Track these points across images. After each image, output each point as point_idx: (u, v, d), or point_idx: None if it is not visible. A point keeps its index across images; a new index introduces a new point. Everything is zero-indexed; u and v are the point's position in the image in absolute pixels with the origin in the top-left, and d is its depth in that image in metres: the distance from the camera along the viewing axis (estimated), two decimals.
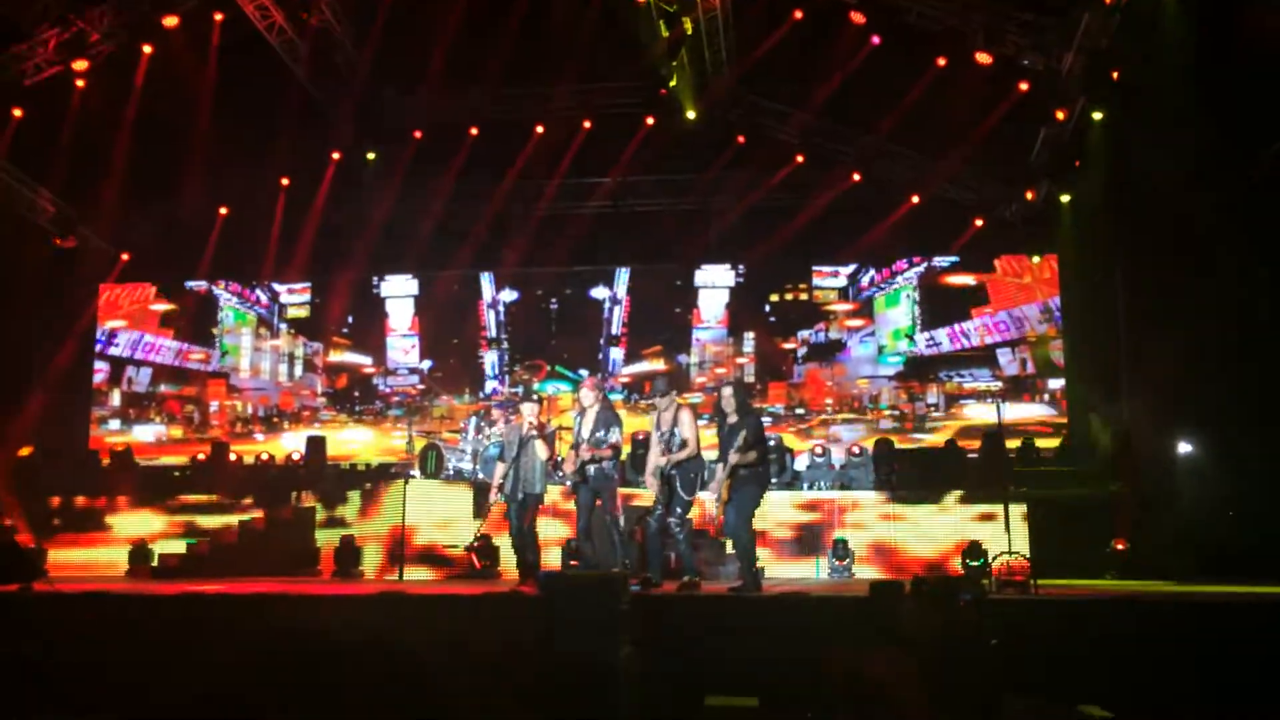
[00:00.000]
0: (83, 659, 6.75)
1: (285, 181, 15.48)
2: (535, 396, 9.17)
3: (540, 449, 8.47)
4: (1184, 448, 12.36)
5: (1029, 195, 14.24)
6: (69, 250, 15.43)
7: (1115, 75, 11.39)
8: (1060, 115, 12.56)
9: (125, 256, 16.12)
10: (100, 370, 16.34)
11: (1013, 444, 12.95)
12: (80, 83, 12.98)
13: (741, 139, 14.83)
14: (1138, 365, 12.76)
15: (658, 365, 15.53)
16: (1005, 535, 9.41)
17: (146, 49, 12.97)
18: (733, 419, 8.15)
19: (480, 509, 10.66)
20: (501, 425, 8.84)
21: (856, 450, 13.19)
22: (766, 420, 12.66)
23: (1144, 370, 12.53)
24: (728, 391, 8.27)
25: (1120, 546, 10.91)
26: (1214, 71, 10.24)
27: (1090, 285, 13.76)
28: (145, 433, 16.08)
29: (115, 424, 16.21)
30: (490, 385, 15.91)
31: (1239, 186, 10.67)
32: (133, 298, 16.50)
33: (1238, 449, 11.22)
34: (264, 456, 14.62)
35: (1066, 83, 12.02)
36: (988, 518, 10.90)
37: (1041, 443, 13.88)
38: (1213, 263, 11.04)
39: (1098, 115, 12.14)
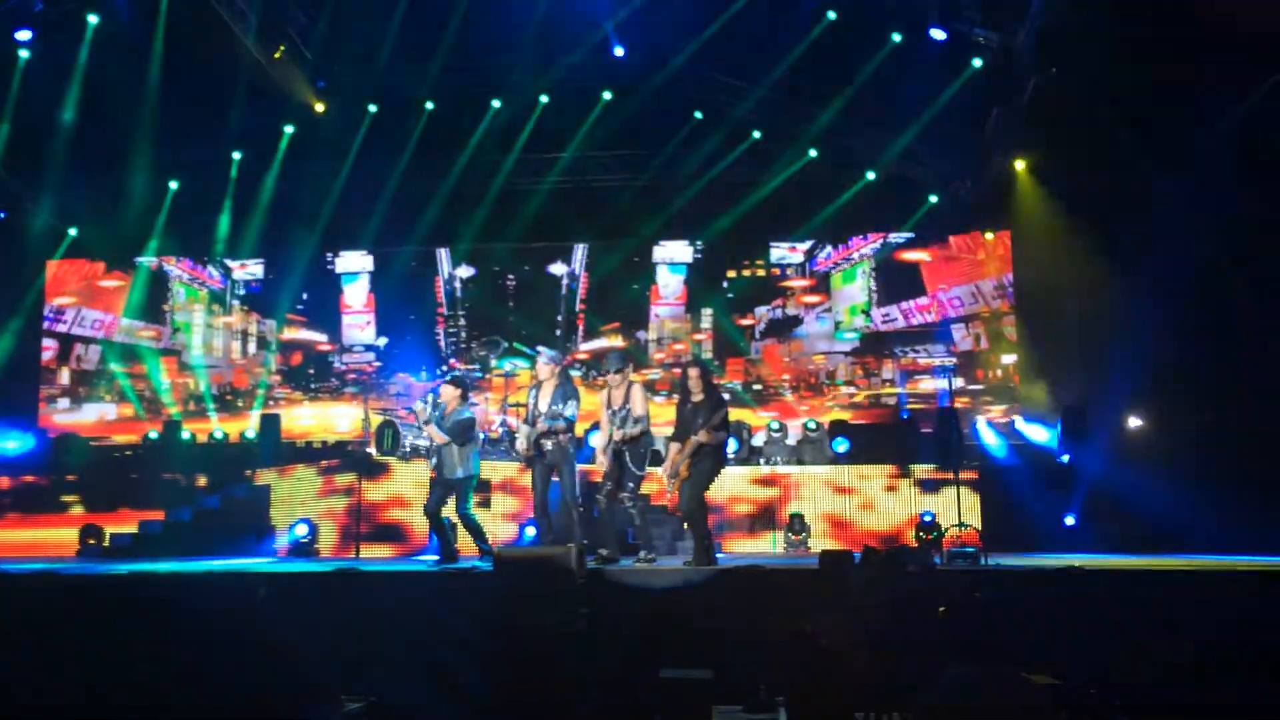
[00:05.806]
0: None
1: (237, 155, 15.22)
2: (451, 379, 9.25)
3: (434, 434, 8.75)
4: (1134, 422, 12.60)
5: (983, 170, 14.36)
6: (13, 225, 15.10)
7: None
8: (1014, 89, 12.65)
9: (72, 232, 15.80)
10: (49, 348, 16.05)
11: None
12: (24, 53, 12.72)
13: (699, 114, 14.77)
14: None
15: (616, 342, 15.51)
16: (956, 508, 9.57)
17: (92, 18, 12.69)
18: (697, 397, 8.18)
19: None
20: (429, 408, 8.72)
21: (812, 425, 13.28)
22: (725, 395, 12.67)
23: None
24: (694, 372, 8.30)
25: None
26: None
27: (1043, 260, 13.94)
28: (95, 411, 15.83)
29: (64, 402, 15.95)
30: (447, 362, 15.80)
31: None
32: (80, 274, 16.20)
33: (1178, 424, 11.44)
34: (217, 434, 14.48)
35: (1020, 57, 12.09)
36: (940, 491, 11.08)
37: (994, 417, 14.14)
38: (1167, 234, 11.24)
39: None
